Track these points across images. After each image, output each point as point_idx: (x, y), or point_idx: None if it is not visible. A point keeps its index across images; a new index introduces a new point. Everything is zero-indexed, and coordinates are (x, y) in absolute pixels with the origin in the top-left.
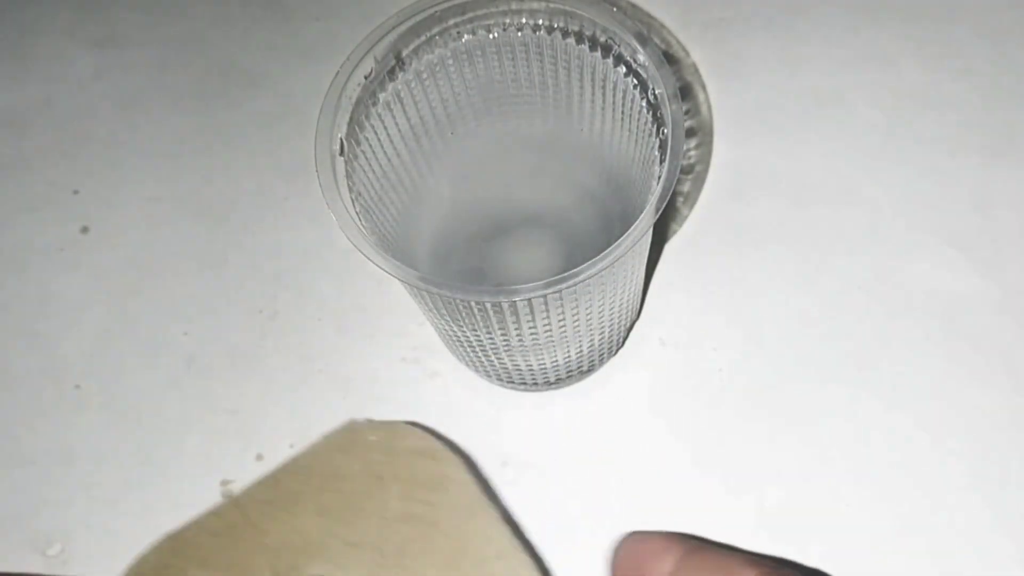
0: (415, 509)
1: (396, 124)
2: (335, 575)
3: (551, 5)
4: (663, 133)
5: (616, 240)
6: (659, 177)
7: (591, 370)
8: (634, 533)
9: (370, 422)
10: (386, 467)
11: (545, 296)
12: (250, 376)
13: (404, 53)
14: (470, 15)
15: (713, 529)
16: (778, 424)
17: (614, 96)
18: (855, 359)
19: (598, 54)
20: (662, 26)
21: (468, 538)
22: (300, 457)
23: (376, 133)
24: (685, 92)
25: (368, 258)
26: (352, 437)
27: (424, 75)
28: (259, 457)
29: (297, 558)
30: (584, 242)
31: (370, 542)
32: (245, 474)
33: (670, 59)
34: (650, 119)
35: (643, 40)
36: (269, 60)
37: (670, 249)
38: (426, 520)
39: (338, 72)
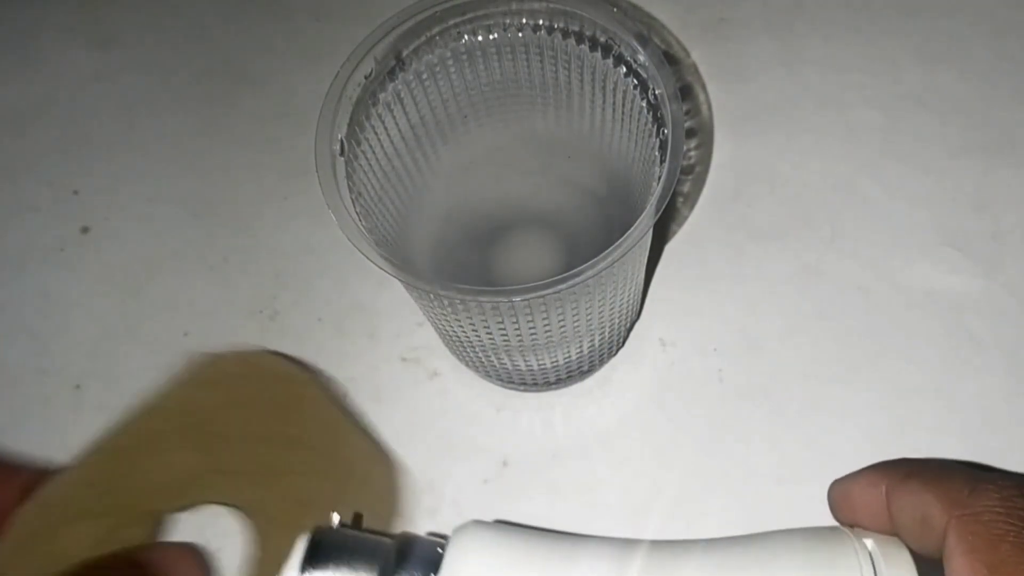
0: (277, 430)
1: (396, 124)
2: (212, 501)
3: (551, 5)
4: (663, 133)
5: (616, 240)
6: (659, 177)
7: (591, 370)
8: (843, 477)
9: (221, 353)
10: (245, 395)
11: (545, 296)
12: None
13: (404, 53)
14: (470, 15)
15: (713, 528)
16: (778, 424)
17: (614, 96)
18: (855, 359)
19: (598, 54)
20: (662, 26)
21: (331, 449)
22: (158, 398)
23: (376, 133)
24: (685, 92)
25: (368, 258)
26: (209, 370)
27: (424, 75)
28: None
29: (172, 493)
30: (584, 242)
31: (239, 467)
32: None
33: (670, 59)
34: (650, 119)
35: (643, 40)
36: (269, 60)
37: (670, 249)
38: (289, 439)
39: (338, 72)
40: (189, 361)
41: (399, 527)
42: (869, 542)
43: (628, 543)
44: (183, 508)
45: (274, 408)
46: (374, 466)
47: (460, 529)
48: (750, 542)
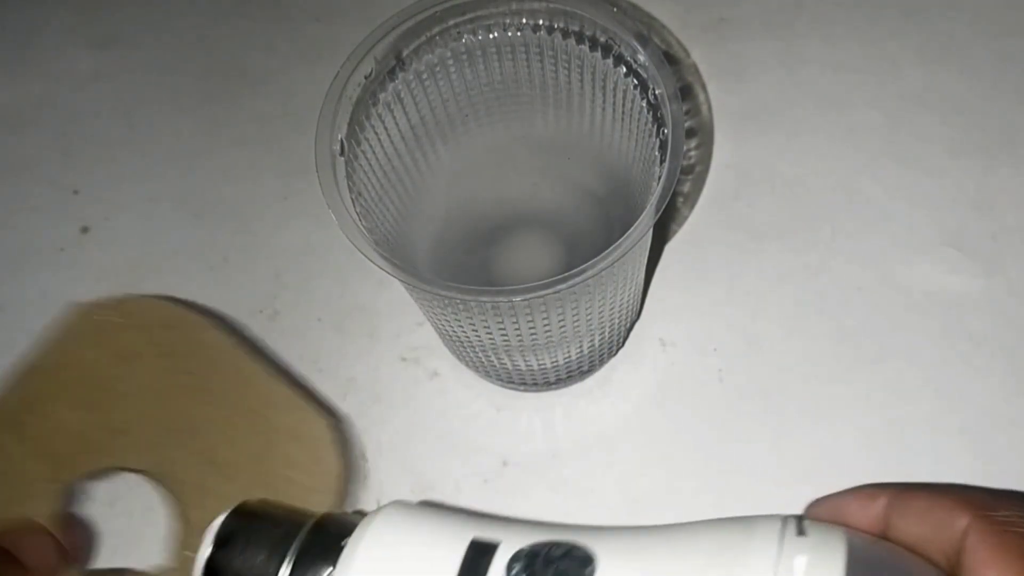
0: (179, 380)
1: (396, 124)
2: (117, 467)
3: (551, 5)
4: (663, 133)
5: (616, 240)
6: (659, 177)
7: (591, 370)
8: (826, 496)
9: (101, 303)
10: (135, 346)
11: (545, 296)
12: None
13: (404, 53)
14: (470, 15)
15: None
16: (777, 424)
17: (614, 96)
18: (855, 359)
19: (598, 54)
20: (662, 26)
21: (241, 396)
22: (38, 357)
23: (376, 133)
24: (685, 92)
25: (368, 258)
26: (92, 323)
27: (424, 75)
28: None
29: (73, 457)
30: (584, 242)
31: (141, 424)
32: None
33: (670, 59)
34: (650, 119)
35: (643, 40)
36: (269, 60)
37: (670, 249)
38: (194, 388)
39: (338, 72)
40: (63, 315)
41: (344, 483)
42: (806, 524)
43: (545, 527)
44: (88, 476)
45: (170, 358)
46: (302, 417)
47: (373, 512)
48: (681, 527)
